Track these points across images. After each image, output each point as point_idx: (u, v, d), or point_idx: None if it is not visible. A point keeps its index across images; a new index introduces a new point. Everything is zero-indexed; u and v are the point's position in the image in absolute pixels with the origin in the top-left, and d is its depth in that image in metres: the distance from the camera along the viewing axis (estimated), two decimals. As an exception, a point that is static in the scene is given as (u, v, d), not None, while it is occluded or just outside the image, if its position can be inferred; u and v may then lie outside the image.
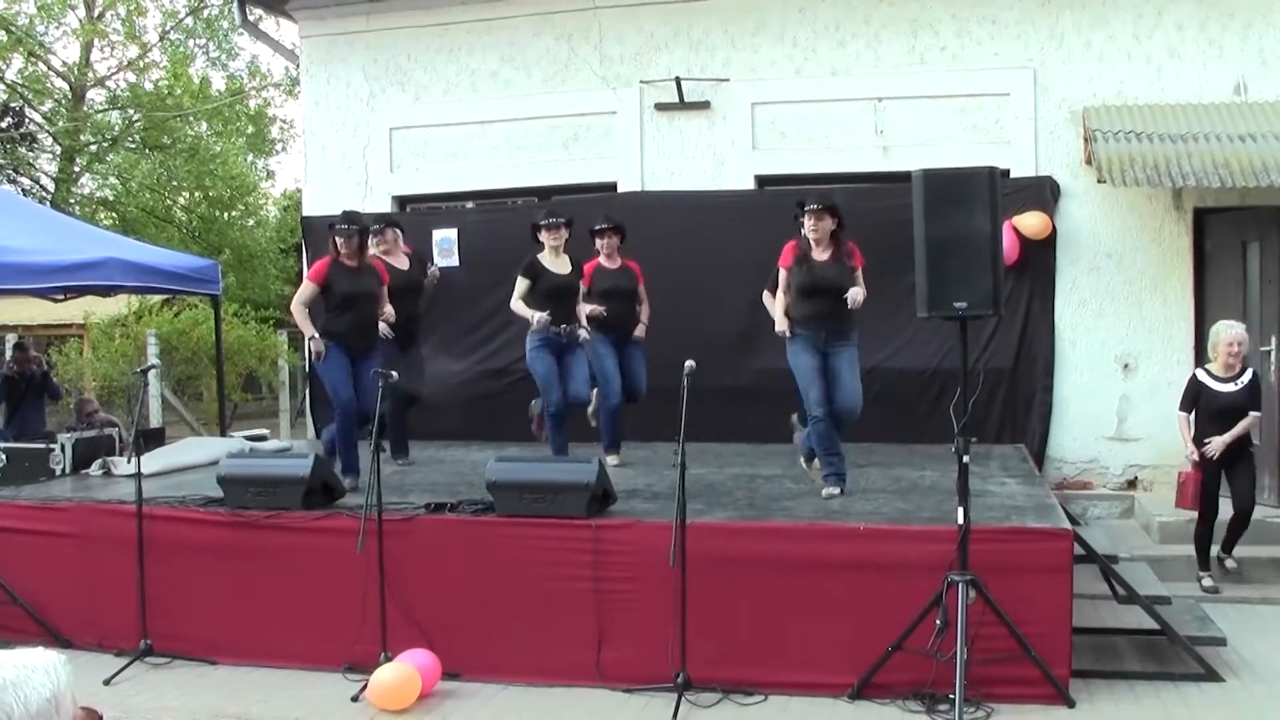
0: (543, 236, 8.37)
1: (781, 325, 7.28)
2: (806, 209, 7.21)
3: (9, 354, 14.42)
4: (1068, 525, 6.04)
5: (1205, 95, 9.58)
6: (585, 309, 8.44)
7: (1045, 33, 9.93)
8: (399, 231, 9.18)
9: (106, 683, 6.40)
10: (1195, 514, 7.96)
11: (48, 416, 11.85)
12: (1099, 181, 9.00)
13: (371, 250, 8.35)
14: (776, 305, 7.38)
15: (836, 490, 7.18)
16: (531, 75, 11.09)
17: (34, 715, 1.76)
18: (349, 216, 8.06)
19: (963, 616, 5.47)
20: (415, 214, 11.41)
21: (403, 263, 8.99)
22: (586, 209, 9.33)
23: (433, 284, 9.17)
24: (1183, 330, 9.68)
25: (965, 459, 5.72)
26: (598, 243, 8.73)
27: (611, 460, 8.56)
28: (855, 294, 7.13)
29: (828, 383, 7.18)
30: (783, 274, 7.32)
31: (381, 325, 8.12)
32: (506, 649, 6.36)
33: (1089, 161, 9.46)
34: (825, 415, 7.16)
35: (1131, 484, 9.79)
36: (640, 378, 8.70)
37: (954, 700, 5.31)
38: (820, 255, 7.22)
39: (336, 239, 7.83)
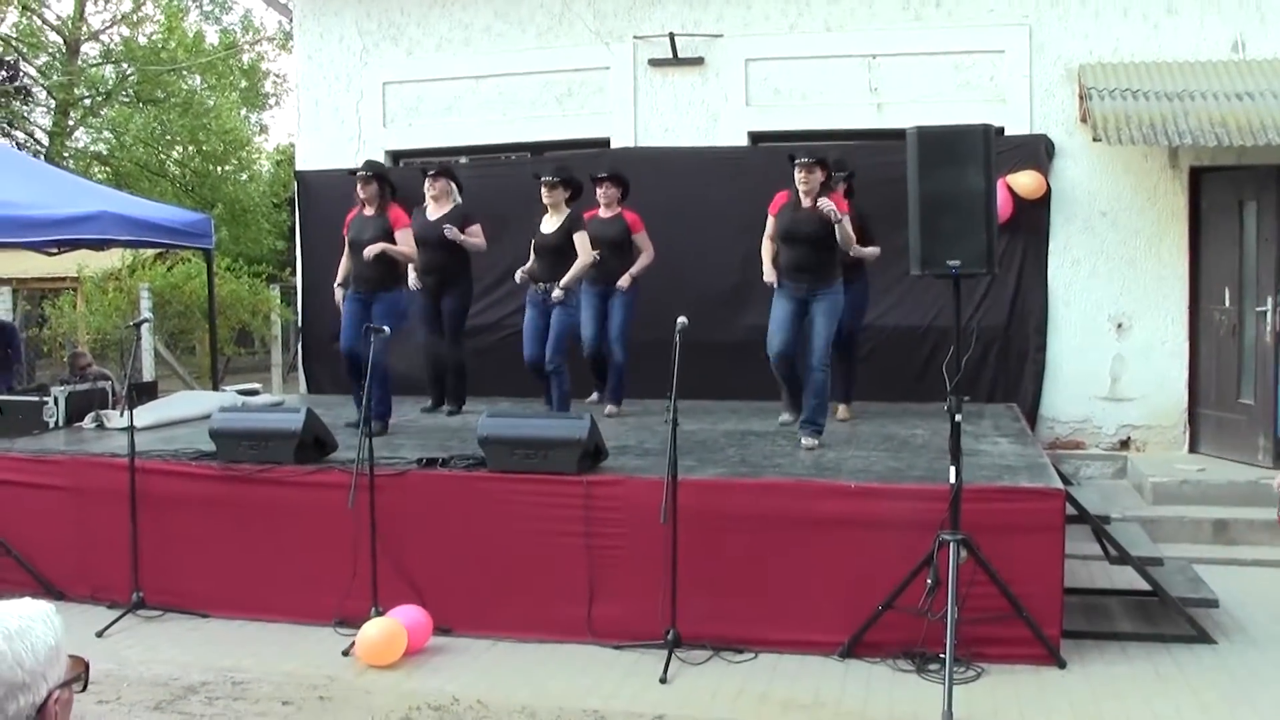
0: (541, 193, 8.58)
1: (769, 276, 7.67)
2: (797, 162, 7.51)
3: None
4: (1060, 485, 6.04)
5: (1203, 53, 9.51)
6: (585, 261, 8.57)
7: (1042, -12, 9.86)
8: (454, 183, 9.31)
9: (99, 634, 6.44)
10: (1195, 478, 7.70)
11: (17, 372, 11.73)
12: (1094, 140, 8.94)
13: (427, 194, 9.17)
14: (765, 253, 7.74)
15: (790, 417, 7.89)
16: (525, 30, 11.00)
17: (42, 664, 1.78)
18: (367, 164, 8.53)
19: (954, 576, 5.47)
20: (408, 169, 11.35)
21: (438, 213, 9.11)
22: (580, 165, 9.32)
23: (469, 247, 9.19)
24: (1177, 290, 9.65)
25: (957, 418, 5.71)
26: (597, 192, 9.04)
27: (608, 410, 8.95)
28: (826, 205, 7.35)
29: (797, 324, 7.57)
30: (770, 221, 7.68)
31: (411, 277, 8.77)
32: (497, 605, 6.37)
33: (1084, 119, 9.41)
34: (777, 360, 7.62)
35: (1124, 444, 9.80)
36: (613, 330, 8.93)
37: (944, 659, 5.32)
38: (805, 203, 7.50)
39: (357, 186, 8.26)
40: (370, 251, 8.00)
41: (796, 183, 7.51)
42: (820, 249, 7.44)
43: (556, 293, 8.37)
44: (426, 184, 9.17)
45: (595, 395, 9.32)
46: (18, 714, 1.74)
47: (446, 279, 9.00)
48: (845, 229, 7.44)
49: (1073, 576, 6.42)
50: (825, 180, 7.57)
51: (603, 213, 9.03)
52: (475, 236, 9.02)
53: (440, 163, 9.78)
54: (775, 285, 7.62)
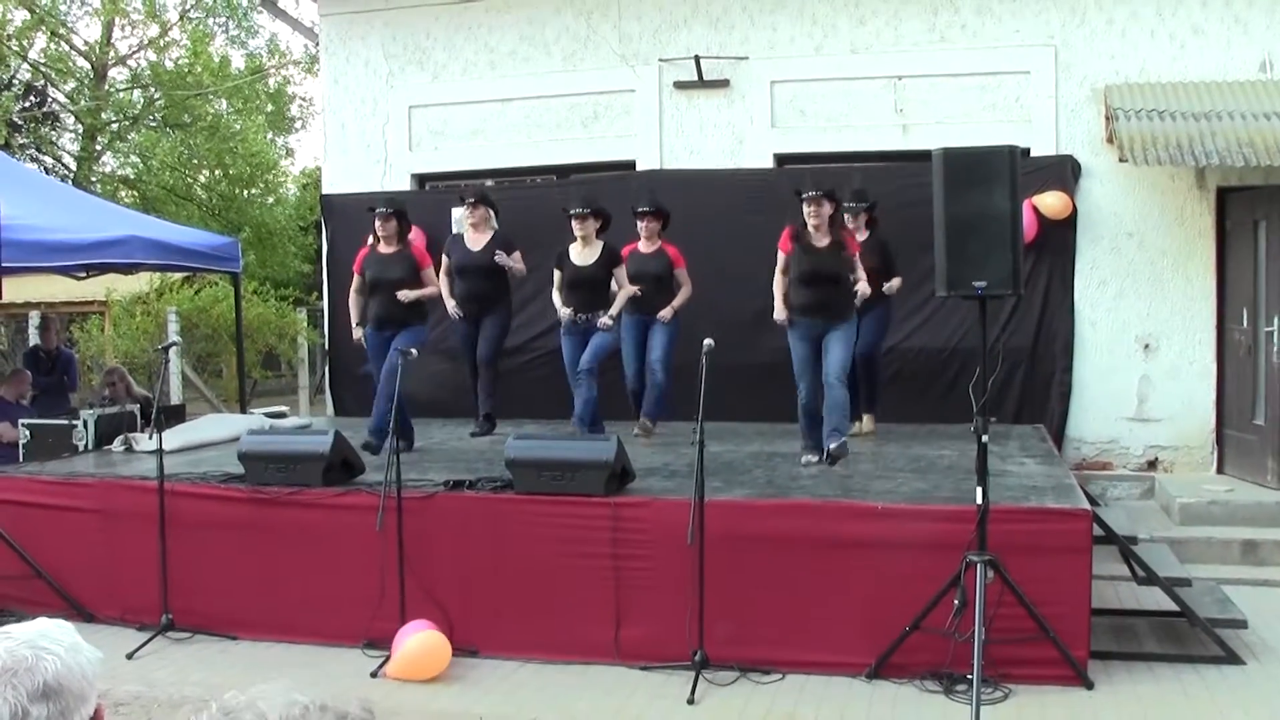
0: (572, 225, 8.57)
1: (780, 315, 7.65)
2: (804, 196, 7.52)
3: (34, 327, 14.55)
4: (1087, 506, 6.02)
5: (1230, 73, 9.49)
6: (628, 290, 8.62)
7: (1067, 10, 9.85)
8: (491, 210, 9.24)
9: (129, 657, 6.47)
10: (1223, 499, 7.78)
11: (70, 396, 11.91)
12: (1120, 160, 8.94)
13: (465, 222, 9.09)
14: (778, 290, 7.69)
15: (814, 458, 7.53)
16: (551, 53, 11.07)
17: (93, 676, 1.86)
18: (387, 200, 8.55)
19: (981, 597, 5.46)
20: (434, 192, 11.44)
21: (478, 240, 9.05)
22: (607, 187, 9.35)
23: (511, 274, 9.15)
24: (1204, 310, 9.62)
25: (984, 438, 5.71)
26: (638, 225, 8.90)
27: (641, 426, 8.80)
28: (862, 288, 7.63)
29: (819, 364, 7.56)
30: (781, 257, 7.68)
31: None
32: (524, 626, 6.38)
33: (1110, 140, 9.41)
34: (807, 404, 7.62)
35: (1152, 465, 9.76)
36: (655, 353, 8.74)
37: (972, 680, 5.31)
38: (819, 242, 7.55)
39: (375, 223, 8.20)
40: (407, 297, 8.06)
41: (805, 217, 7.53)
42: (838, 288, 7.53)
43: (604, 320, 8.41)
44: (465, 212, 9.14)
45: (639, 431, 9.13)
46: None
47: (487, 305, 8.98)
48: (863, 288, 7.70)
49: (1100, 597, 6.40)
50: (835, 212, 7.60)
51: (643, 246, 8.90)
52: (518, 263, 8.98)
53: (478, 190, 9.71)
54: (788, 324, 7.62)
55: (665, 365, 8.69)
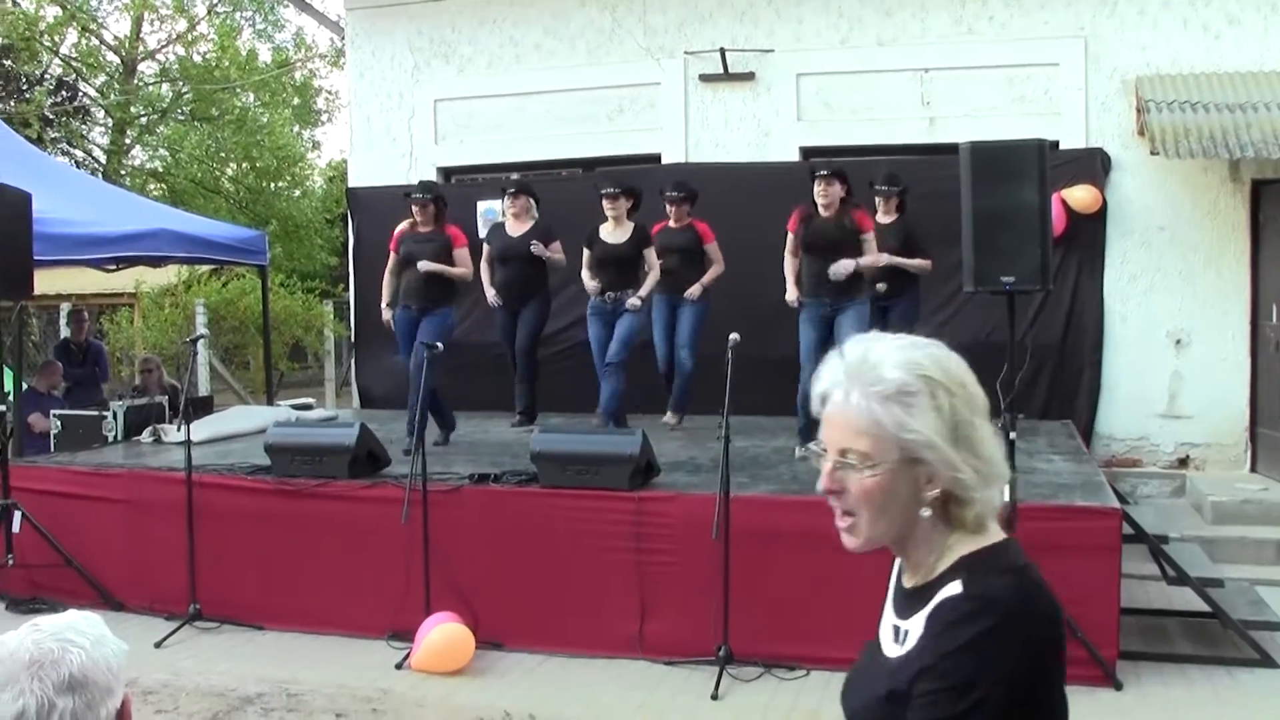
0: (603, 205, 8.62)
1: (791, 294, 7.72)
2: (817, 174, 7.54)
3: (64, 322, 14.65)
4: (1116, 504, 5.97)
5: (1266, 63, 9.34)
6: (657, 272, 8.63)
7: (1097, 1, 9.76)
8: (533, 200, 9.23)
9: (158, 645, 6.52)
10: (1257, 498, 7.66)
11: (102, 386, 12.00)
12: (1152, 153, 8.83)
13: (507, 212, 9.18)
14: (788, 270, 7.76)
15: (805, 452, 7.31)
16: (575, 47, 11.05)
17: (118, 669, 1.87)
18: (424, 186, 8.69)
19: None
20: (459, 185, 11.43)
21: (519, 229, 9.06)
22: (633, 180, 9.32)
23: (549, 263, 9.15)
24: (1238, 306, 9.49)
25: (1012, 435, 5.67)
26: (669, 209, 8.96)
27: (668, 419, 8.90)
28: (839, 266, 7.43)
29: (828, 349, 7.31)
30: (790, 238, 7.72)
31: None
32: (549, 620, 6.38)
33: (1141, 133, 9.31)
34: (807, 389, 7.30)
35: (1183, 463, 9.64)
36: (683, 336, 8.76)
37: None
38: (826, 214, 7.52)
39: (412, 208, 8.30)
40: (425, 267, 8.04)
41: (815, 196, 7.52)
42: (842, 259, 7.41)
43: (634, 301, 8.45)
44: (507, 202, 9.16)
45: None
46: (108, 716, 1.83)
47: (526, 293, 8.98)
48: (867, 263, 7.50)
49: (1129, 597, 6.33)
50: (846, 194, 7.55)
51: (673, 224, 8.94)
52: (556, 253, 8.95)
53: (519, 180, 9.70)
54: (798, 305, 7.61)
55: (692, 349, 8.70)
